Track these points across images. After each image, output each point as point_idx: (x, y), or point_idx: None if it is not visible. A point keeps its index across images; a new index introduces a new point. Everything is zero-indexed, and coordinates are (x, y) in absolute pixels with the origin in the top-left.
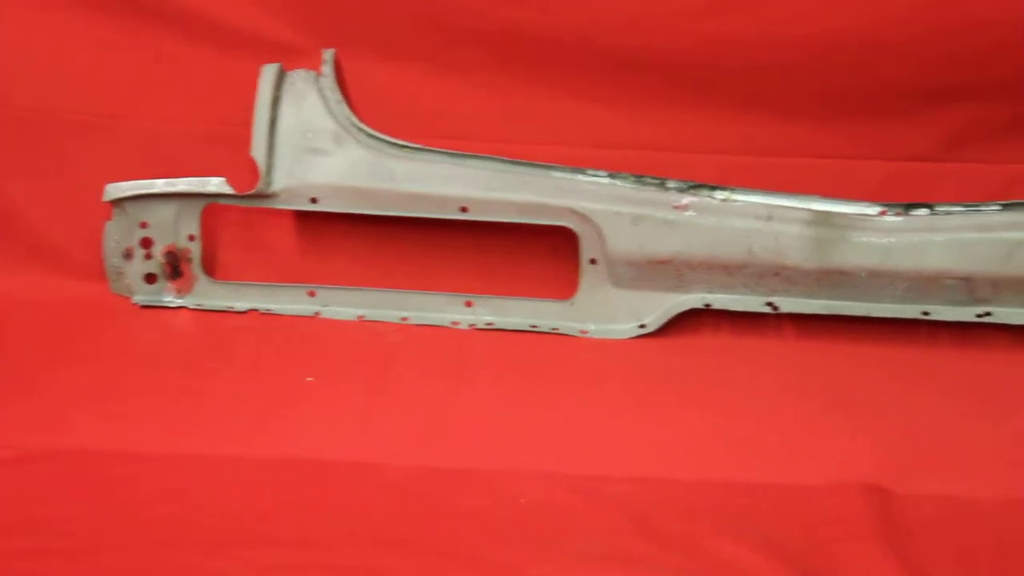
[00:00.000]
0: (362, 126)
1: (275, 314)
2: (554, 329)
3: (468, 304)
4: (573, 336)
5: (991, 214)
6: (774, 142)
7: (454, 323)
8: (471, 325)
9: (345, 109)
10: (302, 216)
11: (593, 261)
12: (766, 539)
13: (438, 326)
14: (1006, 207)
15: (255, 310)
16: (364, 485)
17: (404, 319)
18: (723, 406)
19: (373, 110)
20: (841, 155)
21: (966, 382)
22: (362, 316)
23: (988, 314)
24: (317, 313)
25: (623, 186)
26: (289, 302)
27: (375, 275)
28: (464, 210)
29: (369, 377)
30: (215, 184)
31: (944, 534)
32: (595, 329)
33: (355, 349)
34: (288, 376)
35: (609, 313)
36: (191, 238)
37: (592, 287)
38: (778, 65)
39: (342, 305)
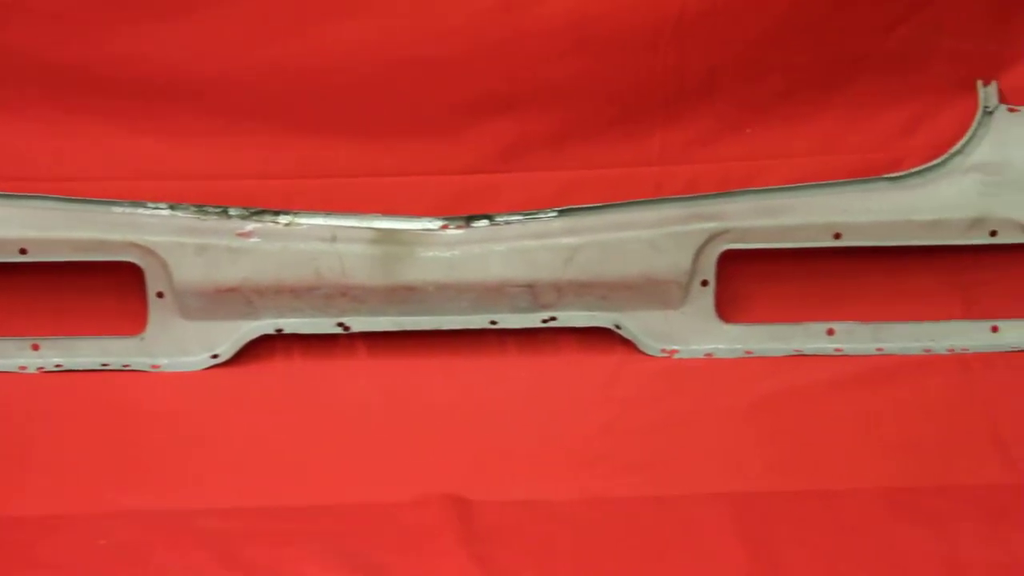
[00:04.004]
0: None
1: None
2: (125, 366)
3: (35, 347)
4: (146, 371)
5: (548, 221)
6: (337, 163)
7: (21, 368)
8: (39, 368)
9: None
10: None
11: (160, 294)
12: (355, 559)
13: (5, 372)
14: (562, 213)
15: None
16: None
17: None
18: (302, 430)
19: None
20: (405, 172)
21: (536, 387)
22: None
23: (553, 319)
24: None
25: (185, 217)
26: None
27: None
28: (23, 252)
29: None
30: None
31: (525, 538)
32: (168, 363)
33: None
34: None
35: (181, 345)
36: None
37: (162, 320)
38: (335, 87)
39: None
